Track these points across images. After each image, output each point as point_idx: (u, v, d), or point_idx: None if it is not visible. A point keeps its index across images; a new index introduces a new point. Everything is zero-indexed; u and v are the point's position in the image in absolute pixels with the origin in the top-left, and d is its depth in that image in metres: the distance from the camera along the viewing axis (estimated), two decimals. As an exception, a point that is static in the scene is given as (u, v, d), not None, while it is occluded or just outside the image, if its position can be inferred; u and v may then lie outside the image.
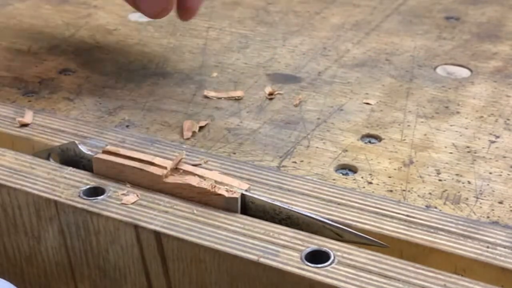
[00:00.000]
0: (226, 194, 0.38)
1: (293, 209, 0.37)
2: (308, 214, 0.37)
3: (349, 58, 0.57)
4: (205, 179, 0.39)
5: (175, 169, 0.40)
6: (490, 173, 0.43)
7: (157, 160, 0.40)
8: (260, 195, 0.38)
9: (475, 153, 0.45)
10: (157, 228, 0.36)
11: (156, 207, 0.38)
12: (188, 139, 0.46)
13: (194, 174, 0.39)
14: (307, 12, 0.66)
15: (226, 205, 0.38)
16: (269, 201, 0.38)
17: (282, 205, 0.38)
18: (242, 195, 0.38)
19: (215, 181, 0.39)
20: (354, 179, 0.42)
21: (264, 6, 0.68)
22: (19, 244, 0.41)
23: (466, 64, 0.57)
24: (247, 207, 0.38)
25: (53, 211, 0.39)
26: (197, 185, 0.38)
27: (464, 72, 0.56)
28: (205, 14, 0.66)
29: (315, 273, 0.33)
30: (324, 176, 0.42)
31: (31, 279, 0.42)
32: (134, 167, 0.39)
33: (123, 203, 0.38)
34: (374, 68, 0.56)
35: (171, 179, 0.39)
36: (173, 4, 0.48)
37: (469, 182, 0.42)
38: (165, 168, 0.39)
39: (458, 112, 0.50)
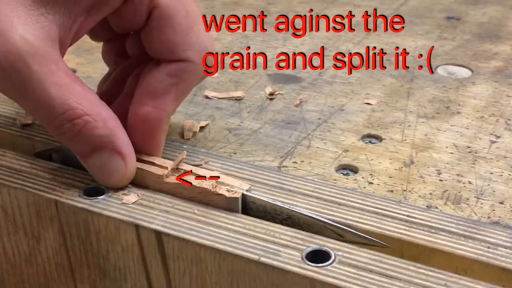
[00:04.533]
0: (227, 194, 0.38)
1: (294, 209, 0.37)
2: (309, 214, 0.37)
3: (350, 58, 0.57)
4: (206, 179, 0.39)
5: (176, 169, 0.40)
6: (491, 173, 0.43)
7: (158, 160, 0.40)
8: (261, 195, 0.38)
9: (476, 153, 0.45)
10: (158, 228, 0.36)
11: (157, 206, 0.38)
12: (188, 139, 0.46)
13: (195, 174, 0.39)
14: (307, 12, 0.66)
15: (227, 205, 0.38)
16: (270, 201, 0.38)
17: (283, 205, 0.38)
18: (243, 195, 0.38)
19: (216, 181, 0.39)
20: (354, 179, 0.42)
21: (265, 6, 0.68)
22: (19, 244, 0.41)
23: (467, 64, 0.57)
24: (248, 207, 0.38)
25: (54, 211, 0.39)
26: (198, 185, 0.38)
27: (465, 72, 0.56)
28: (206, 14, 0.66)
29: (316, 272, 0.33)
30: (325, 177, 0.42)
31: (30, 279, 0.42)
32: (134, 167, 0.39)
33: (124, 203, 0.38)
34: (375, 68, 0.56)
35: (171, 179, 0.39)
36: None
37: (470, 182, 0.42)
38: (166, 168, 0.39)
39: (459, 112, 0.50)
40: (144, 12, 0.39)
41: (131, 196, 0.38)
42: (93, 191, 0.39)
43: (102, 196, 0.38)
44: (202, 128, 0.47)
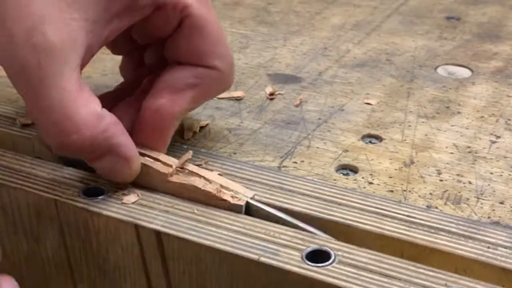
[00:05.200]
0: (231, 201, 0.37)
1: (299, 224, 0.37)
2: (314, 231, 0.37)
3: (350, 58, 0.57)
4: (210, 182, 0.38)
5: (181, 169, 0.39)
6: (491, 173, 0.43)
7: (162, 157, 0.39)
8: (263, 198, 0.38)
9: (476, 153, 0.45)
10: (158, 228, 0.36)
11: (157, 206, 0.38)
12: (188, 139, 0.46)
13: (200, 176, 0.39)
14: (307, 12, 0.66)
15: (229, 210, 0.38)
16: (274, 212, 0.37)
17: (287, 218, 0.37)
18: (247, 203, 0.38)
19: (221, 185, 0.38)
20: (354, 179, 0.42)
21: (265, 6, 0.68)
22: (19, 244, 0.41)
23: (467, 64, 0.57)
24: (250, 214, 0.38)
25: (53, 211, 0.39)
26: (202, 188, 0.38)
27: (465, 72, 0.56)
28: (206, 14, 0.66)
29: (316, 272, 0.33)
30: (325, 177, 0.42)
31: (30, 279, 0.42)
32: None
33: (124, 203, 0.38)
34: (375, 68, 0.56)
35: (176, 178, 0.39)
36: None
37: (470, 182, 0.42)
38: (171, 166, 0.39)
39: (459, 112, 0.50)
40: (175, 20, 0.39)
41: (131, 196, 0.38)
42: (93, 191, 0.39)
43: (102, 196, 0.38)
44: (202, 128, 0.47)
